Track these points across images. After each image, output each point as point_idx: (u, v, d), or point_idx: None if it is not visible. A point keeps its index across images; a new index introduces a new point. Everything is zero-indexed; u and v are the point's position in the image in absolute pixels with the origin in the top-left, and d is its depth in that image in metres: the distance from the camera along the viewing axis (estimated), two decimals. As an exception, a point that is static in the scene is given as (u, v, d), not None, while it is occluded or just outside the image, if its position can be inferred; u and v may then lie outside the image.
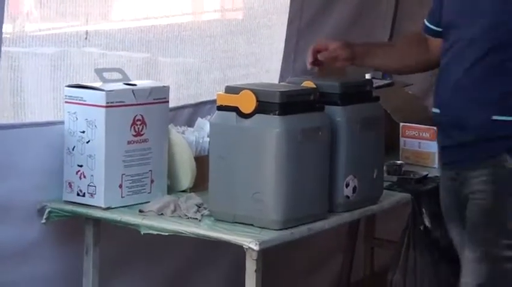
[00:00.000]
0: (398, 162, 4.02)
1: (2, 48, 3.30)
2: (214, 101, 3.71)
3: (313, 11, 4.59)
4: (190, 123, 3.90)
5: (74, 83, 3.50)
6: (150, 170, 3.49)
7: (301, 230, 3.23)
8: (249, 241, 3.07)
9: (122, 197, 3.42)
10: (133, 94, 3.43)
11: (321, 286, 4.82)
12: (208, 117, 3.82)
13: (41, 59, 3.79)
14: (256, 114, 3.18)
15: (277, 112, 3.15)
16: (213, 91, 3.94)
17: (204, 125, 3.77)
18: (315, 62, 3.50)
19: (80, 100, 3.39)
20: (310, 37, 4.34)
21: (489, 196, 3.12)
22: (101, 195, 3.37)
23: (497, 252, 3.08)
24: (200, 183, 3.56)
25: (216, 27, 4.65)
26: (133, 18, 4.40)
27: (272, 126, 3.15)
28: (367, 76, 4.25)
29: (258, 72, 4.42)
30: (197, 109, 4.01)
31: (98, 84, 3.42)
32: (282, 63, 4.42)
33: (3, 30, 3.32)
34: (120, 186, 3.41)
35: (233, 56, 4.49)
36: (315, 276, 4.78)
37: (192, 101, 4.04)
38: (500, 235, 3.09)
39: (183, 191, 3.60)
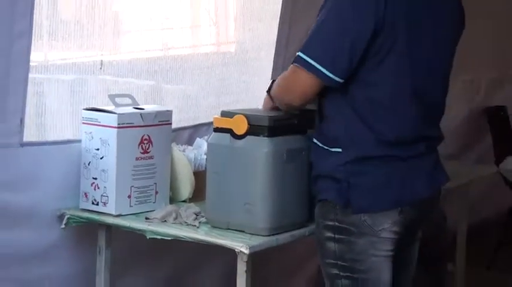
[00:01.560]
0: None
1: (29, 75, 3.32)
2: (210, 123, 3.70)
3: (297, 46, 4.58)
4: (190, 142, 3.88)
5: (90, 106, 3.49)
6: (155, 183, 3.48)
7: (285, 237, 3.23)
8: (241, 246, 3.07)
9: (130, 206, 3.41)
10: (141, 117, 3.43)
11: (301, 285, 4.79)
12: (206, 137, 3.79)
13: (61, 85, 3.79)
14: (248, 136, 3.16)
15: (266, 134, 3.14)
16: (209, 115, 3.94)
17: (202, 144, 3.77)
18: None
19: (95, 121, 3.39)
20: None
21: None
22: (112, 204, 3.37)
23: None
24: (198, 194, 3.56)
25: (212, 59, 4.63)
26: (141, 50, 4.44)
27: (261, 147, 3.14)
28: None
29: (249, 99, 4.38)
30: (196, 130, 3.99)
31: (111, 108, 3.42)
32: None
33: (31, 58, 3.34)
34: (129, 196, 3.41)
35: (227, 84, 4.47)
36: (296, 277, 4.75)
37: (191, 123, 4.02)
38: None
39: (183, 201, 3.59)
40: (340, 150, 3.01)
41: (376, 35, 2.91)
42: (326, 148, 3.05)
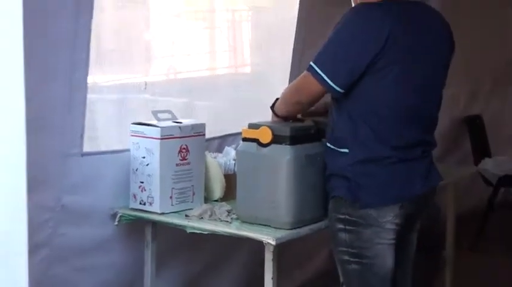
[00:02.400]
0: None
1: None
2: (235, 134, 3.75)
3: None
4: (219, 150, 3.88)
5: (134, 121, 3.48)
6: (192, 185, 3.48)
7: (305, 230, 3.21)
8: (268, 238, 3.07)
9: (172, 205, 3.41)
10: (180, 129, 3.43)
11: (315, 269, 4.77)
12: (233, 145, 3.81)
13: (109, 104, 3.82)
14: (272, 144, 3.16)
15: (288, 143, 3.14)
16: (234, 127, 3.94)
17: (230, 151, 3.76)
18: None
19: (141, 134, 3.40)
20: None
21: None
22: (157, 204, 3.37)
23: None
24: (228, 194, 3.56)
25: (233, 79, 4.67)
26: (177, 71, 4.47)
27: (284, 154, 3.14)
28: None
29: (265, 113, 4.35)
30: (224, 140, 3.99)
31: (154, 122, 3.42)
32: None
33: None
34: (171, 197, 3.40)
35: (246, 100, 4.45)
36: (307, 264, 4.75)
37: (220, 134, 4.01)
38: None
39: (216, 200, 3.58)
40: (347, 150, 3.02)
41: (377, 56, 2.92)
42: (335, 148, 3.06)
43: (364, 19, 2.98)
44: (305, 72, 3.05)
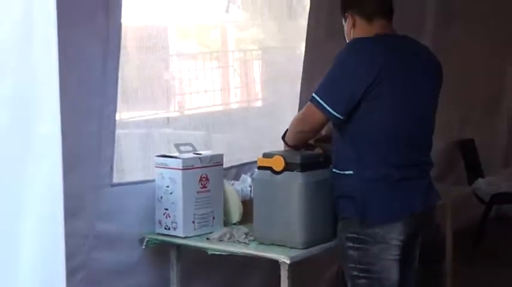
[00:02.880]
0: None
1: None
2: (251, 163, 3.74)
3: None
4: (236, 178, 3.88)
5: (157, 154, 3.48)
6: (212, 211, 3.47)
7: (317, 249, 3.22)
8: (283, 257, 3.08)
9: (194, 229, 3.41)
10: (200, 160, 3.43)
11: (326, 285, 4.66)
12: (249, 173, 3.80)
13: (135, 138, 3.84)
14: (285, 172, 3.17)
15: (299, 170, 3.15)
16: (249, 156, 3.95)
17: (246, 179, 3.76)
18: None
19: (165, 165, 3.40)
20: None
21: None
22: (180, 228, 3.37)
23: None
24: (245, 218, 3.55)
25: (245, 113, 4.67)
26: (195, 106, 4.48)
27: (296, 180, 3.15)
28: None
29: (276, 143, 4.36)
30: (240, 169, 3.98)
31: (176, 154, 3.43)
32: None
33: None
34: (193, 222, 3.40)
35: (259, 131, 4.43)
36: (322, 277, 4.66)
37: (237, 163, 4.01)
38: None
39: (234, 224, 3.57)
40: (352, 172, 3.03)
41: (371, 86, 2.95)
42: (341, 172, 3.07)
43: (358, 52, 3.03)
44: (308, 103, 3.09)
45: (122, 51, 3.36)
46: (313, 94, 3.05)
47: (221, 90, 4.73)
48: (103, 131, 3.26)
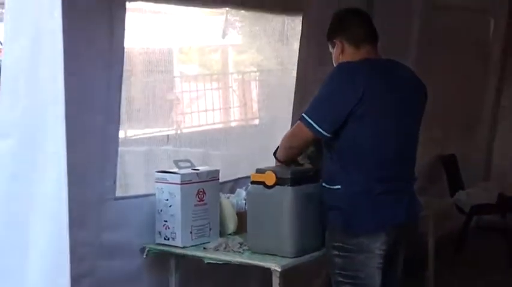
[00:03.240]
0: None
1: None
2: (245, 177, 3.72)
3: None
4: (232, 191, 3.86)
5: (157, 169, 3.47)
6: (208, 222, 3.47)
7: (306, 257, 3.23)
8: (274, 265, 3.09)
9: (192, 239, 3.40)
10: (197, 175, 3.43)
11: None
12: (243, 187, 3.78)
13: (136, 155, 3.84)
14: (276, 186, 3.18)
15: (289, 184, 3.16)
16: (244, 171, 3.92)
17: (241, 192, 3.75)
18: None
19: (164, 180, 3.40)
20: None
21: None
22: (179, 239, 3.37)
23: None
24: (240, 229, 3.55)
25: (242, 131, 4.68)
26: (195, 125, 4.49)
27: (286, 194, 3.16)
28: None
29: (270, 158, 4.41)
30: (236, 183, 3.97)
31: (175, 169, 3.42)
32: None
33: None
34: (191, 233, 3.40)
35: (254, 148, 4.41)
36: (311, 284, 4.67)
37: (232, 178, 4.00)
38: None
39: (229, 234, 3.56)
40: (339, 187, 3.04)
41: (356, 106, 2.96)
42: (330, 187, 3.08)
43: (344, 74, 3.04)
44: (298, 122, 3.12)
45: (129, 74, 3.37)
46: (303, 114, 3.08)
47: (220, 109, 4.75)
48: (106, 149, 3.26)
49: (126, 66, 3.36)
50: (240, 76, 4.96)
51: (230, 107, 4.78)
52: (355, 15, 3.21)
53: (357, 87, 2.98)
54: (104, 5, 3.13)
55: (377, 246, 3.01)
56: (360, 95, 2.96)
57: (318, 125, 3.02)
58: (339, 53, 3.17)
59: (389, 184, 3.05)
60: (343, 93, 3.00)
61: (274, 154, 3.32)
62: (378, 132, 3.03)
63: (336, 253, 3.06)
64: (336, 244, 3.06)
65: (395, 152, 3.08)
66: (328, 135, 3.03)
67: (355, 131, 3.01)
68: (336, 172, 3.06)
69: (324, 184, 3.13)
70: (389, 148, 3.05)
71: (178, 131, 4.25)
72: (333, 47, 3.21)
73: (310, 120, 3.03)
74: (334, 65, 3.17)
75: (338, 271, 3.06)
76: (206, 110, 4.66)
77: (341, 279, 3.06)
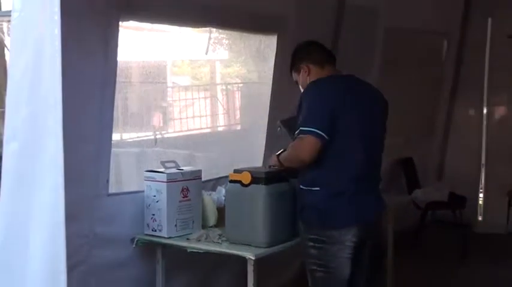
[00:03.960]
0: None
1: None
2: (225, 177, 3.65)
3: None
4: (213, 189, 3.84)
5: (148, 169, 3.45)
6: (191, 216, 3.46)
7: (279, 247, 3.23)
8: (249, 254, 3.09)
9: (176, 231, 3.39)
10: (182, 175, 3.42)
11: (288, 278, 4.67)
12: (224, 185, 3.73)
13: (129, 156, 3.86)
14: (252, 185, 3.18)
15: (263, 183, 3.16)
16: (225, 171, 3.80)
17: (221, 190, 3.73)
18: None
19: (152, 179, 3.39)
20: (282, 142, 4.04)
21: None
22: (165, 230, 3.36)
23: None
24: (220, 222, 3.52)
25: (225, 135, 4.73)
26: (180, 130, 4.50)
27: (261, 191, 3.17)
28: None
29: (250, 160, 4.26)
30: (217, 181, 3.94)
31: (162, 169, 3.41)
32: (264, 155, 4.29)
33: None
34: (175, 225, 3.39)
35: (235, 151, 4.45)
36: (285, 272, 4.66)
37: (214, 177, 3.98)
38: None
39: (210, 227, 3.54)
40: (318, 189, 3.03)
41: (333, 111, 2.97)
42: (309, 188, 3.06)
43: (318, 86, 3.07)
44: (298, 137, 2.97)
45: (127, 84, 3.36)
46: (301, 127, 2.95)
47: (206, 116, 4.77)
48: (100, 151, 3.23)
49: (123, 78, 3.36)
50: (226, 87, 4.98)
51: (217, 114, 4.78)
52: (314, 44, 3.27)
53: (331, 98, 3.00)
54: (100, 24, 3.11)
55: (348, 238, 3.02)
56: (333, 103, 2.98)
57: (321, 130, 2.93)
58: (306, 75, 3.19)
59: (362, 185, 3.05)
60: (324, 98, 3.01)
61: (278, 155, 3.24)
62: (350, 140, 3.03)
63: (312, 244, 3.05)
64: (312, 236, 3.05)
65: (367, 157, 3.07)
66: (327, 138, 2.94)
67: (331, 141, 2.98)
68: (315, 176, 3.04)
69: (302, 186, 3.10)
70: (361, 154, 3.05)
71: (168, 135, 4.26)
72: (299, 73, 3.21)
73: (312, 129, 2.92)
74: (302, 89, 3.17)
75: (313, 261, 3.06)
76: (194, 117, 4.67)
77: (315, 268, 3.06)
